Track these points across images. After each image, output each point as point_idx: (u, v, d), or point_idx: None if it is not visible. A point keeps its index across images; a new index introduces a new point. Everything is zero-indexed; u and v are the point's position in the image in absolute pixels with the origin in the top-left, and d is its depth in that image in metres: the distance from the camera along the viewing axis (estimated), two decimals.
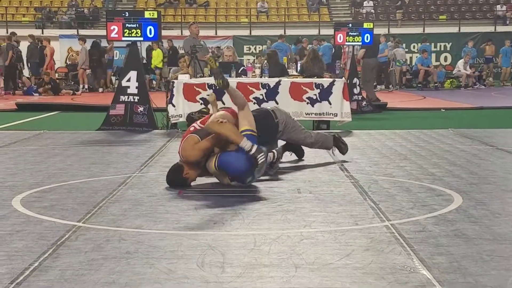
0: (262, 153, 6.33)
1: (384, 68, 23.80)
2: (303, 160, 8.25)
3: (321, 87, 11.48)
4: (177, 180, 6.55)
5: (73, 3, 31.37)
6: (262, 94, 11.42)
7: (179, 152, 6.66)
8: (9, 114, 15.19)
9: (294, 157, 8.41)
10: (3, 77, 21.63)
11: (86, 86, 23.05)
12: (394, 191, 6.32)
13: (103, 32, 13.55)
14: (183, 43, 15.04)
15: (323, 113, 11.52)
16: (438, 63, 27.41)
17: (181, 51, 14.33)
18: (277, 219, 5.23)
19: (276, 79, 11.58)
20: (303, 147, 8.23)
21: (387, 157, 8.50)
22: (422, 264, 4.04)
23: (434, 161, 8.14)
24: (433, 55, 27.90)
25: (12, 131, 11.77)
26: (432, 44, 27.95)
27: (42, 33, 28.20)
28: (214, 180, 6.81)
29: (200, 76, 11.92)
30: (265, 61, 12.86)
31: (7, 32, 26.40)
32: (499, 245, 4.50)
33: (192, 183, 6.64)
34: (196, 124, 6.81)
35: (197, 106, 11.30)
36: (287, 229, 4.93)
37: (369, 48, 15.79)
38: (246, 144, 6.37)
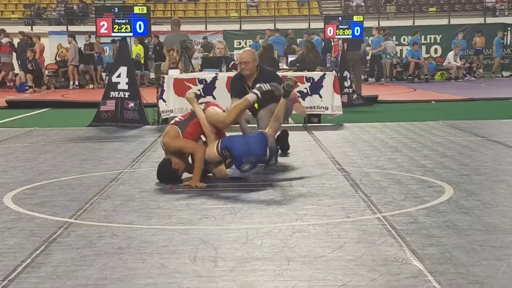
0: (267, 87, 6.79)
1: (378, 61, 23.87)
2: (288, 154, 8.26)
3: (311, 81, 11.48)
4: (167, 173, 6.57)
5: None
6: None
7: (161, 143, 6.70)
8: None
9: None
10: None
11: (76, 83, 22.98)
12: (386, 183, 6.33)
13: (92, 28, 13.50)
14: (165, 38, 14.30)
15: (314, 106, 11.52)
16: (428, 55, 27.43)
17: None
18: (269, 213, 5.24)
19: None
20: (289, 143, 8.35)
21: (378, 150, 8.52)
22: (414, 256, 4.06)
23: (425, 153, 8.16)
24: (423, 48, 27.92)
25: (3, 128, 11.72)
26: (422, 36, 27.98)
27: (32, 29, 28.04)
28: (202, 175, 6.81)
29: (191, 71, 11.89)
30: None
31: None
32: (490, 235, 4.52)
33: (184, 178, 6.64)
34: (177, 117, 6.93)
35: (187, 102, 11.24)
36: (279, 223, 4.93)
37: (352, 42, 15.80)
38: (251, 96, 6.77)
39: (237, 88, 7.82)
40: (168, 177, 6.56)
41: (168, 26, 28.87)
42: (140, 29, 11.82)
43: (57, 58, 25.59)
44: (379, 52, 23.41)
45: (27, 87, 21.20)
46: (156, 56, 21.69)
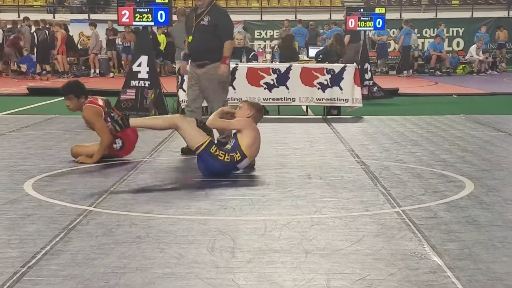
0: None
1: (408, 53, 23.84)
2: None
3: (332, 73, 11.43)
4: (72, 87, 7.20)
5: None
6: (272, 80, 11.39)
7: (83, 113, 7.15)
8: (20, 99, 15.24)
9: (303, 142, 8.39)
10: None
11: (97, 71, 23.06)
12: (405, 177, 6.29)
13: (114, 17, 13.51)
14: (171, 29, 13.75)
15: (334, 98, 11.48)
16: (450, 48, 27.22)
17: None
18: (287, 205, 5.23)
19: (287, 64, 11.54)
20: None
21: (398, 143, 8.47)
22: (433, 251, 4.03)
23: (446, 147, 8.10)
24: (446, 41, 27.71)
25: (24, 115, 11.80)
26: (445, 29, 27.77)
27: (54, 17, 28.19)
28: None
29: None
30: (276, 46, 12.83)
31: (18, 17, 26.42)
32: (511, 231, 4.48)
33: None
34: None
35: None
36: (298, 215, 4.92)
37: (354, 33, 15.71)
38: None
39: (189, 24, 7.87)
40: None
41: None
42: (161, 18, 11.80)
43: (78, 46, 25.70)
44: (408, 44, 23.39)
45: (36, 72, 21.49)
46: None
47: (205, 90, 7.73)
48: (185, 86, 11.26)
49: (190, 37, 7.71)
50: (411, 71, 23.69)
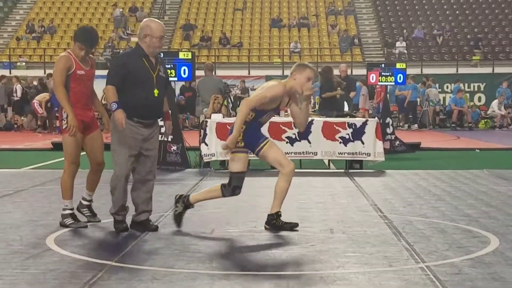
0: None
1: (414, 107, 24.07)
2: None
3: (353, 127, 11.46)
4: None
5: (109, 44, 31.92)
6: (294, 134, 11.43)
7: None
8: (45, 153, 15.40)
9: (325, 196, 8.36)
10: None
11: None
12: (429, 232, 6.23)
13: None
14: (199, 83, 13.70)
15: (356, 152, 11.47)
16: (472, 103, 27.21)
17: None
18: (310, 259, 5.18)
19: (309, 119, 11.57)
20: None
21: (421, 198, 8.40)
22: None
23: (470, 202, 8.02)
24: (467, 95, 27.72)
25: (48, 170, 11.91)
26: (466, 84, 27.80)
27: None
28: (245, 219, 6.80)
29: (233, 116, 11.97)
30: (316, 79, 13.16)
31: (44, 73, 26.89)
32: None
33: (221, 222, 6.61)
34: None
35: None
36: (320, 270, 4.87)
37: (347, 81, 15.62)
38: None
39: (145, 74, 6.18)
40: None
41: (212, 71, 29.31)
42: (184, 74, 11.98)
43: (102, 101, 26.03)
44: (415, 99, 23.67)
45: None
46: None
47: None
48: (207, 140, 11.38)
49: (156, 91, 6.24)
50: (416, 125, 23.72)
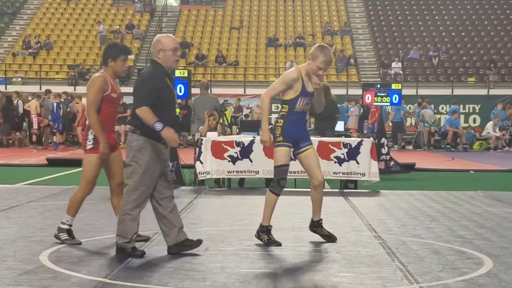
0: None
1: (399, 128, 24.36)
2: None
3: (349, 147, 11.49)
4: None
5: None
6: None
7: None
8: (40, 169, 15.38)
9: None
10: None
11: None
12: (423, 253, 6.23)
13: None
14: (194, 101, 13.68)
15: (350, 172, 11.49)
16: (467, 124, 27.31)
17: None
18: (303, 279, 5.18)
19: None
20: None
21: (416, 218, 8.42)
22: None
23: (463, 223, 8.03)
24: (462, 117, 27.83)
25: (42, 186, 11.89)
26: (461, 106, 27.92)
27: (75, 90, 28.70)
28: (240, 237, 6.79)
29: (228, 134, 12.00)
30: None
31: (40, 89, 26.91)
32: None
33: (215, 240, 6.61)
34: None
35: (224, 164, 11.34)
36: None
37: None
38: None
39: (171, 94, 6.16)
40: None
41: (207, 89, 29.36)
42: (180, 92, 12.01)
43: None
44: (399, 119, 23.87)
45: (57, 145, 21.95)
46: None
47: None
48: (202, 158, 11.39)
49: (177, 110, 6.55)
50: (396, 146, 23.79)
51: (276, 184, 6.58)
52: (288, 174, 11.53)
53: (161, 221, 6.17)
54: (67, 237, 6.53)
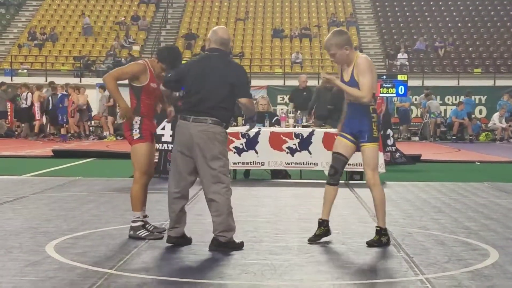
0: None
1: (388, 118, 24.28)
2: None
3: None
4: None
5: (111, 52, 32.00)
6: (295, 144, 11.44)
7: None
8: (45, 161, 15.41)
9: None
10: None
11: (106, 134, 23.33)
12: (429, 244, 6.22)
13: None
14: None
15: (356, 163, 11.45)
16: (473, 116, 27.25)
17: None
18: (309, 270, 5.18)
19: (310, 129, 11.60)
20: None
21: (421, 210, 8.40)
22: None
23: (469, 215, 8.02)
24: (468, 107, 27.75)
25: (48, 177, 11.92)
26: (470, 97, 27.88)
27: (80, 81, 28.74)
28: (245, 229, 6.80)
29: (234, 125, 11.99)
30: (298, 111, 12.97)
31: (46, 81, 26.94)
32: None
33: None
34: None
35: (230, 155, 11.31)
36: (319, 281, 4.87)
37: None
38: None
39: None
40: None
41: None
42: None
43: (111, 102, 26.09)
44: (391, 110, 23.82)
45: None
46: None
47: None
48: None
49: None
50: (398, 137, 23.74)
51: (330, 169, 6.80)
52: (294, 165, 11.56)
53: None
54: (146, 233, 6.34)
